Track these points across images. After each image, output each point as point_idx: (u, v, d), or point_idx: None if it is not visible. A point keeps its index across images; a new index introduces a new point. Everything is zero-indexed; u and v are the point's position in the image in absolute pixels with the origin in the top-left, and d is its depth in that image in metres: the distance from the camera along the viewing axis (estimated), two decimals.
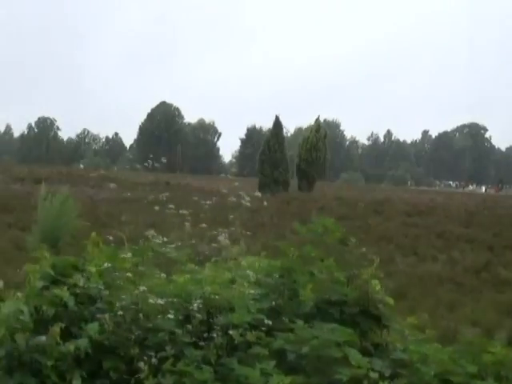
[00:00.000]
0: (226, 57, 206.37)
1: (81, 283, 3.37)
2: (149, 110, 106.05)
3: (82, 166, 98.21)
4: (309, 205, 25.76)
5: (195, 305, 3.33)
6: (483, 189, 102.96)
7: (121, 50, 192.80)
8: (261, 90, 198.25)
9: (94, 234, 4.16)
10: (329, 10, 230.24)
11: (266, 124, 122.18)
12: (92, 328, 3.13)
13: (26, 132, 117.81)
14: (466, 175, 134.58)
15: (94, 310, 3.32)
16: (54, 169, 41.55)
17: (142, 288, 3.36)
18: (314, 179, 32.81)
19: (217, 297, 3.46)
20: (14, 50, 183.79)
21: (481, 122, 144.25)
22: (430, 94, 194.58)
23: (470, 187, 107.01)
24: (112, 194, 27.30)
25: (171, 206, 10.41)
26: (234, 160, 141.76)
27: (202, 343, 3.21)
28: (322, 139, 32.57)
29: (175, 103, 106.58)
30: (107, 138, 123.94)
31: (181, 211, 10.51)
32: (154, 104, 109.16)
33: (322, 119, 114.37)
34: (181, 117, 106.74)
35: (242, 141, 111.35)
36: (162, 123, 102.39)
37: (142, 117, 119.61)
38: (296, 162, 33.24)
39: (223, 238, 8.35)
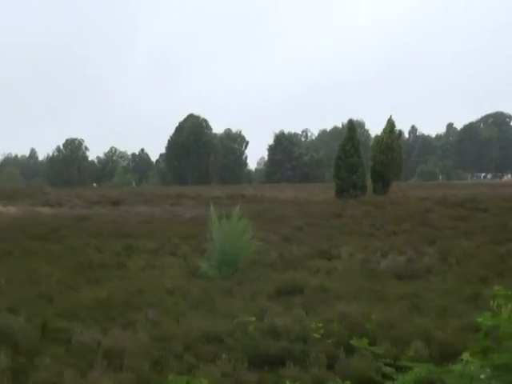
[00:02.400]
0: (249, 65, 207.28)
1: None
2: (175, 124, 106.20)
3: (111, 184, 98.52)
4: (403, 208, 25.18)
5: None
6: None
7: (144, 66, 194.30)
8: (284, 96, 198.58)
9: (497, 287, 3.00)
10: (347, 6, 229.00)
11: (294, 129, 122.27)
12: None
13: (53, 154, 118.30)
14: (494, 165, 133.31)
15: None
16: (118, 190, 41.34)
17: None
18: (389, 181, 32.21)
19: None
20: (35, 72, 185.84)
21: (506, 110, 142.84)
22: (452, 87, 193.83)
23: (505, 178, 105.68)
24: (206, 210, 26.76)
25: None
26: (259, 167, 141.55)
27: None
28: (396, 139, 31.99)
29: (202, 115, 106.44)
30: (133, 154, 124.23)
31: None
32: (179, 117, 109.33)
33: (345, 119, 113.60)
34: (209, 128, 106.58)
35: (271, 147, 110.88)
36: (191, 135, 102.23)
37: (168, 131, 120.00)
38: (370, 164, 32.63)
39: None
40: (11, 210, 29.26)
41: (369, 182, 33.26)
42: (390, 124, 32.39)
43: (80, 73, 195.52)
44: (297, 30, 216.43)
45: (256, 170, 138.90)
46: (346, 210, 24.48)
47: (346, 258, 13.05)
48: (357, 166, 30.44)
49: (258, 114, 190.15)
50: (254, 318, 7.56)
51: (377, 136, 35.77)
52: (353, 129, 31.53)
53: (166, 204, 30.77)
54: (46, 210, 28.87)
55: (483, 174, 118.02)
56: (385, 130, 32.30)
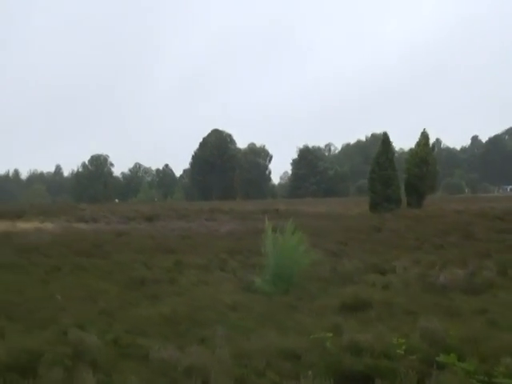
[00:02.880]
0: (273, 80, 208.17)
1: None
2: (199, 139, 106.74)
3: (137, 199, 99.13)
4: (443, 221, 24.85)
5: None
6: None
7: (170, 82, 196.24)
8: (308, 110, 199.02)
9: None
10: (375, 20, 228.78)
11: (317, 143, 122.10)
12: None
13: (79, 170, 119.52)
14: None
15: None
16: (151, 205, 41.44)
17: None
18: (424, 194, 31.86)
19: None
20: (60, 91, 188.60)
21: None
22: (477, 99, 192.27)
23: None
24: (241, 225, 26.74)
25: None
26: (282, 181, 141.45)
27: None
28: (431, 152, 31.70)
29: (227, 129, 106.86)
30: (158, 170, 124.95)
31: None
32: (203, 133, 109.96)
33: (369, 133, 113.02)
34: (233, 143, 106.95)
35: (295, 161, 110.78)
36: (215, 150, 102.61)
37: (192, 146, 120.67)
38: (404, 177, 32.31)
39: None
40: (48, 226, 29.52)
41: (402, 194, 32.92)
42: (424, 137, 32.08)
43: (105, 90, 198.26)
44: (322, 44, 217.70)
45: (279, 184, 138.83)
46: (384, 224, 24.24)
47: (400, 272, 12.84)
48: (391, 179, 30.17)
49: (281, 129, 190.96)
50: (330, 334, 7.42)
51: (411, 149, 35.44)
52: (387, 142, 31.27)
53: (201, 219, 30.77)
54: (82, 226, 29.07)
55: (510, 187, 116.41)
56: (418, 142, 32.00)
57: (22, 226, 29.39)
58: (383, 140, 31.55)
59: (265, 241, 12.32)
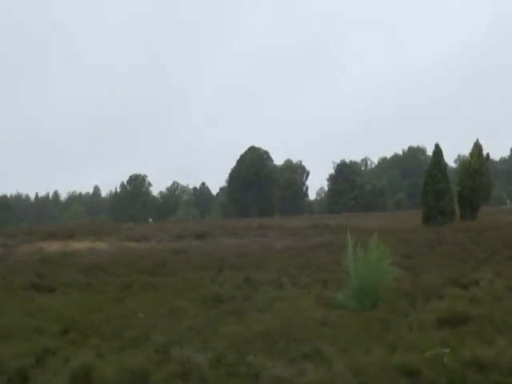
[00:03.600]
0: (307, 95, 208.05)
1: None
2: (235, 157, 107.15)
3: (175, 218, 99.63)
4: (504, 233, 24.20)
5: None
6: None
7: (206, 101, 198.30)
8: (342, 125, 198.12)
9: None
10: (411, 31, 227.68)
11: (353, 158, 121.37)
12: None
13: (116, 190, 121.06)
14: None
15: None
16: (199, 223, 41.53)
17: None
18: (478, 206, 31.15)
19: None
20: (95, 112, 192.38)
21: None
22: None
23: None
24: (295, 241, 26.42)
25: None
26: (318, 198, 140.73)
27: None
28: (484, 163, 31.04)
29: (263, 146, 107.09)
30: (195, 188, 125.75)
31: None
32: (240, 150, 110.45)
33: (406, 146, 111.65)
34: (270, 159, 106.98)
35: (332, 177, 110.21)
36: (252, 168, 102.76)
37: (228, 164, 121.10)
38: (457, 189, 31.67)
39: None
40: (101, 245, 29.66)
41: (455, 207, 32.26)
42: (477, 148, 31.44)
43: (140, 109, 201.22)
44: (358, 58, 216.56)
45: (315, 200, 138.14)
46: (444, 237, 23.72)
47: (484, 285, 12.41)
48: (445, 191, 29.59)
49: (316, 144, 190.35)
50: (447, 350, 7.11)
51: (463, 160, 34.76)
52: (439, 153, 30.71)
53: (251, 235, 30.60)
54: (135, 245, 29.15)
55: None
56: (471, 153, 31.35)
57: (76, 245, 29.60)
58: (434, 152, 31.00)
59: (346, 255, 12.07)
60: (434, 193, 29.60)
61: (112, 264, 20.28)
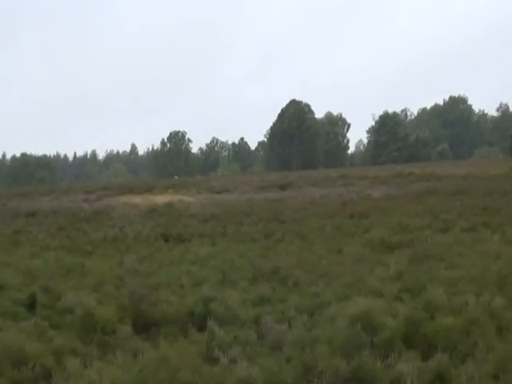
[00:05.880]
0: (347, 48, 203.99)
1: None
2: (272, 111, 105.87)
3: (219, 173, 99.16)
4: None
5: None
6: None
7: (246, 56, 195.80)
8: (380, 77, 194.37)
9: None
10: None
11: (393, 109, 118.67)
12: None
13: (153, 148, 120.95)
14: None
15: None
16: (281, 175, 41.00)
17: None
18: None
19: None
20: (135, 71, 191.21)
21: None
22: None
23: None
24: (390, 189, 25.78)
25: None
26: (357, 150, 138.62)
27: None
28: None
29: (304, 99, 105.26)
30: (234, 144, 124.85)
31: None
32: (274, 105, 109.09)
33: (447, 96, 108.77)
34: (311, 113, 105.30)
35: (374, 129, 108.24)
36: (294, 121, 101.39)
37: (265, 119, 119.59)
38: None
39: None
40: (187, 198, 29.35)
41: None
42: None
43: (181, 67, 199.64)
44: (399, 8, 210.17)
45: (353, 153, 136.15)
46: None
47: None
48: None
49: (354, 96, 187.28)
50: None
51: None
52: None
53: (336, 185, 30.02)
54: (220, 197, 28.81)
55: None
56: None
57: (160, 198, 29.33)
58: None
59: None
60: None
61: (225, 214, 19.94)
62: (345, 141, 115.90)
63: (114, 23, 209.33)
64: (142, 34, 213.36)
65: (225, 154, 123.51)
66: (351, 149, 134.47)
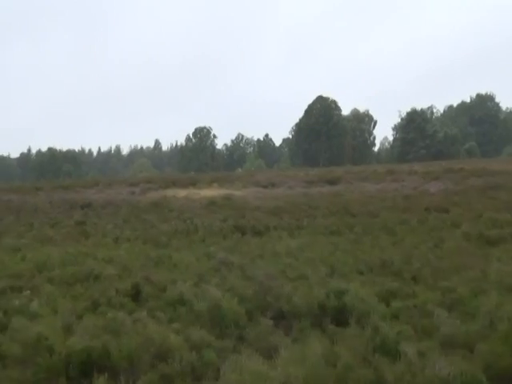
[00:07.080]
0: (372, 44, 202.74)
1: None
2: (297, 108, 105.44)
3: (240, 170, 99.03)
4: None
5: None
6: None
7: (273, 53, 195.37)
8: (407, 74, 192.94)
9: None
10: None
11: (419, 106, 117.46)
12: None
13: (181, 143, 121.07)
14: None
15: None
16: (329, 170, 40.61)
17: None
18: None
19: None
20: (160, 67, 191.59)
21: None
22: None
23: None
24: (441, 185, 25.31)
25: None
26: (382, 147, 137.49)
27: None
28: None
29: (331, 96, 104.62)
30: (258, 140, 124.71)
31: None
32: (299, 102, 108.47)
33: (474, 94, 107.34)
34: (338, 109, 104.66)
35: (401, 125, 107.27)
36: (321, 118, 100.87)
37: (290, 116, 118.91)
38: None
39: None
40: (235, 192, 29.12)
41: None
42: None
43: (206, 62, 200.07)
44: (428, 4, 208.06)
45: (379, 150, 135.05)
46: None
47: None
48: None
49: (378, 94, 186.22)
50: None
51: None
52: None
53: (386, 180, 29.59)
54: (270, 191, 28.54)
55: None
56: None
57: (206, 192, 29.17)
58: None
59: None
60: None
61: (289, 207, 19.67)
62: (371, 138, 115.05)
63: (141, 18, 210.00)
64: (168, 30, 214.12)
65: (250, 150, 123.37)
66: (377, 146, 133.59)
